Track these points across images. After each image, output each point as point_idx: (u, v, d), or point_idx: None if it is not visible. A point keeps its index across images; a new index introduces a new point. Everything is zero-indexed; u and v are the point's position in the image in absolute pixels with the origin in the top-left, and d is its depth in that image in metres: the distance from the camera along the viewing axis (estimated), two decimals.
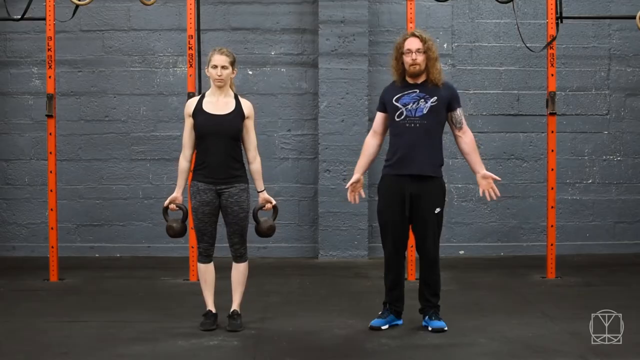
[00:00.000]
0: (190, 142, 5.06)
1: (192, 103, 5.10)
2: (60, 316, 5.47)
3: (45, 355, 4.55)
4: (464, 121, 5.05)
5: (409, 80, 5.01)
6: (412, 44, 4.94)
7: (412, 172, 4.91)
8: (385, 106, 5.06)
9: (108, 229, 7.94)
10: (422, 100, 4.93)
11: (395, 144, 4.99)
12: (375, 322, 5.10)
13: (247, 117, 5.04)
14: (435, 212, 4.95)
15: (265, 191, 5.14)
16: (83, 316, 5.43)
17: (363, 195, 5.17)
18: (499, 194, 5.01)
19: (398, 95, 4.99)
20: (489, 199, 5.03)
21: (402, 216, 4.97)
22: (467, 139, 5.04)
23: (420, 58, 4.93)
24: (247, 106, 5.07)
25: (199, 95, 5.43)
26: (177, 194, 5.10)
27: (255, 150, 5.11)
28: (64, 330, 5.06)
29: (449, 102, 4.99)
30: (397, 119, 4.96)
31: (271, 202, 5.13)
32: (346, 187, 5.16)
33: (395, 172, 4.98)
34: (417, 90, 4.95)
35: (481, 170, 5.03)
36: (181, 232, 5.16)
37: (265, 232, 5.16)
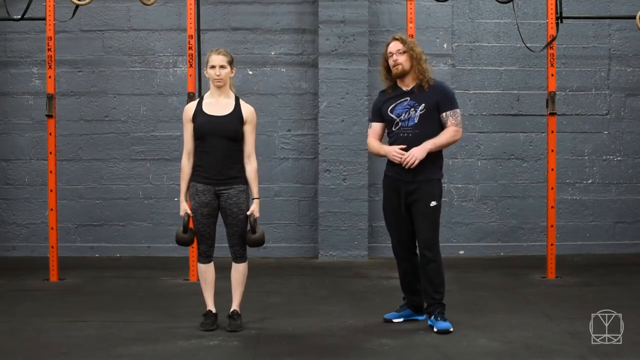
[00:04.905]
0: (193, 147, 5.02)
1: (191, 107, 5.07)
2: (60, 316, 5.47)
3: (45, 355, 4.55)
4: (450, 122, 4.96)
5: (400, 85, 5.07)
6: (393, 47, 5.04)
7: (407, 180, 4.98)
8: (382, 117, 5.10)
9: (108, 229, 7.94)
10: (412, 109, 4.99)
11: None
12: (388, 314, 5.20)
13: (246, 122, 5.00)
14: (431, 204, 4.97)
15: (257, 200, 5.01)
16: (83, 316, 5.43)
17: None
18: (405, 159, 4.88)
19: (392, 106, 5.05)
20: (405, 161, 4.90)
21: (399, 212, 5.04)
22: (445, 130, 4.97)
23: (401, 58, 4.99)
24: (247, 111, 5.03)
25: (198, 96, 5.39)
26: (185, 203, 5.06)
27: (250, 156, 5.02)
28: (64, 330, 5.06)
29: (438, 105, 4.98)
30: (394, 129, 5.06)
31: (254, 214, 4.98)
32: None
33: (392, 174, 5.07)
34: (408, 99, 5.01)
35: (424, 144, 4.90)
36: (190, 240, 5.13)
37: (255, 242, 5.02)
